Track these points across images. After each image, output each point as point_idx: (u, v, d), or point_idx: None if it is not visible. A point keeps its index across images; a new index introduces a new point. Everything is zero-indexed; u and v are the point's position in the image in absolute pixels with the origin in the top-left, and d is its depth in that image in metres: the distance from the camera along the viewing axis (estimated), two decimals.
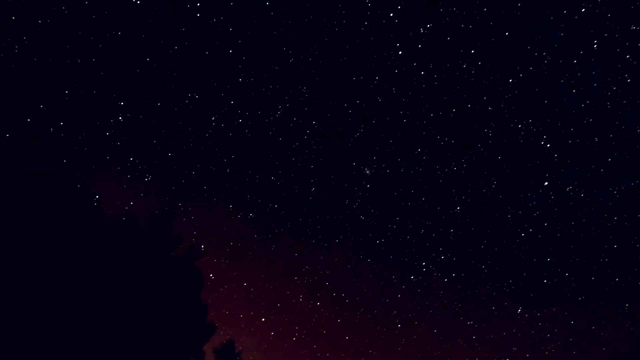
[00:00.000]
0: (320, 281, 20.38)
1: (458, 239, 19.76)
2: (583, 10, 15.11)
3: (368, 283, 20.73)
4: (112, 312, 10.02)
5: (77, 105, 15.39)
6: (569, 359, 20.18)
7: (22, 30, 13.63)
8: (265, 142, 18.40)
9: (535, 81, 16.68)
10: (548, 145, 17.51)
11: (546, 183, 18.11)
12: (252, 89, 17.20)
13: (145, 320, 10.64)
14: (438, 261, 19.91)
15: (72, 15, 14.25)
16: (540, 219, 18.73)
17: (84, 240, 10.10)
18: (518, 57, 16.47)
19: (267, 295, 20.44)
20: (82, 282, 9.65)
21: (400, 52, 16.60)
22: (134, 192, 17.35)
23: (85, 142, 15.84)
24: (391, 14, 15.91)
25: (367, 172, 18.90)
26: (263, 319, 20.40)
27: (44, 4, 13.63)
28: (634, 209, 17.66)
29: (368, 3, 15.75)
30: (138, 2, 14.80)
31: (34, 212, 9.53)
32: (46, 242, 9.52)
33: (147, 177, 17.51)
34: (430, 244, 19.78)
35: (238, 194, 19.10)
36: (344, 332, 21.14)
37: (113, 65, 15.62)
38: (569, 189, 17.99)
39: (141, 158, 17.27)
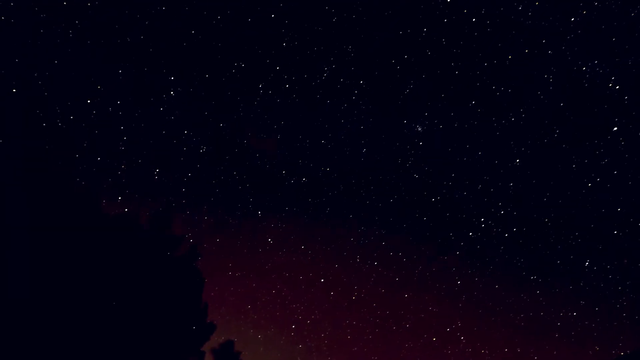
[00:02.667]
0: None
1: (517, 193, 19.00)
2: None
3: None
4: (112, 311, 10.09)
5: (78, 104, 15.67)
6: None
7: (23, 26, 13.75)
8: (313, 106, 18.25)
9: None
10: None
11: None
12: (296, 53, 16.96)
13: (145, 319, 10.70)
14: (497, 216, 19.32)
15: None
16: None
17: (83, 239, 10.11)
18: None
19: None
20: (80, 281, 9.72)
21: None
22: (134, 190, 17.25)
23: (86, 141, 16.09)
24: None
25: (419, 129, 18.36)
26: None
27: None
28: None
29: None
30: None
31: (33, 210, 9.53)
32: (46, 240, 9.54)
33: (153, 172, 17.56)
34: (488, 199, 19.15)
35: (288, 160, 19.18)
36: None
37: (116, 61, 15.77)
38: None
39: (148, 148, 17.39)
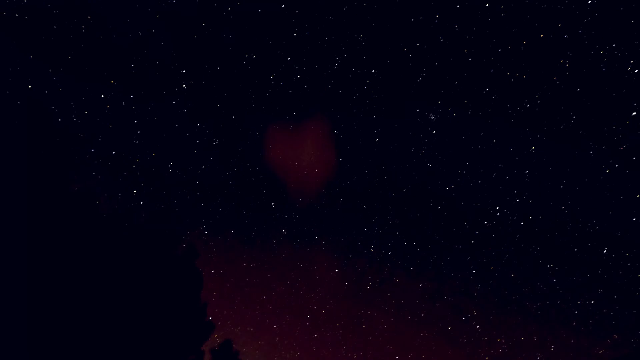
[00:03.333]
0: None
1: (533, 181, 18.75)
2: None
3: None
4: (111, 310, 10.07)
5: (80, 104, 15.71)
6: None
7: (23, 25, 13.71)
8: (324, 97, 18.16)
9: None
10: None
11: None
12: (307, 43, 16.87)
13: (144, 318, 10.68)
14: (512, 204, 19.11)
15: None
16: None
17: (82, 238, 10.09)
18: None
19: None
20: (79, 280, 9.66)
21: None
22: (134, 189, 17.38)
23: (86, 140, 16.11)
24: None
25: (432, 117, 18.18)
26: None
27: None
28: None
29: None
30: None
31: (33, 209, 9.51)
32: (46, 239, 9.53)
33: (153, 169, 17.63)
34: (503, 187, 18.95)
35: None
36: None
37: (119, 62, 15.79)
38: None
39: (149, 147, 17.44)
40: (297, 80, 17.44)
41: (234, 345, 13.79)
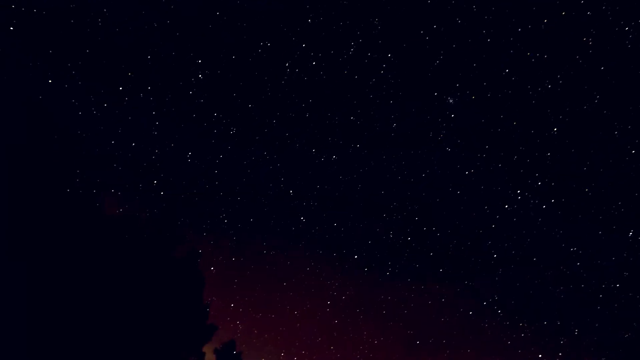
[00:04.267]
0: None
1: (555, 164, 18.34)
2: None
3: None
4: (113, 311, 10.05)
5: (81, 104, 15.81)
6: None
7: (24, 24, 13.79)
8: (341, 82, 18.03)
9: None
10: None
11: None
12: (322, 29, 16.73)
13: (146, 319, 10.68)
14: (534, 188, 18.76)
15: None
16: None
17: (84, 239, 10.07)
18: None
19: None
20: (81, 281, 9.68)
21: None
22: (135, 190, 17.43)
23: (87, 140, 16.24)
24: None
25: (451, 101, 17.90)
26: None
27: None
28: None
29: None
30: None
31: (36, 210, 9.49)
32: (47, 240, 9.47)
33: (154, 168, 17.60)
34: (524, 170, 18.60)
35: (317, 137, 19.11)
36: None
37: (119, 62, 15.81)
38: None
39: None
40: (313, 67, 17.36)
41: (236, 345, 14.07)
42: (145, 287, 10.92)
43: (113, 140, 16.55)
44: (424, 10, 16.25)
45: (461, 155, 18.89)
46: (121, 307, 10.30)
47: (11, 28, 13.51)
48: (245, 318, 20.41)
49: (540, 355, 19.85)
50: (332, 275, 21.00)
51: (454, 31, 16.55)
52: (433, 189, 19.83)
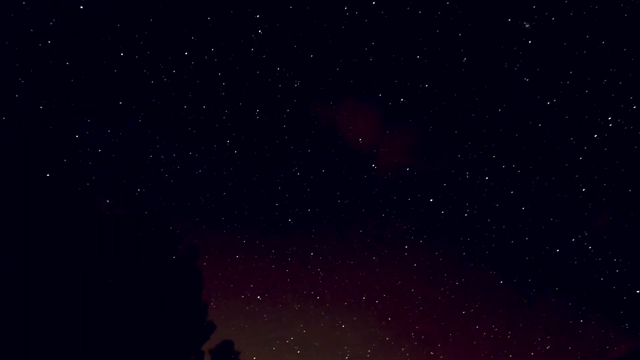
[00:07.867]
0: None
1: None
2: None
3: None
4: (111, 311, 10.01)
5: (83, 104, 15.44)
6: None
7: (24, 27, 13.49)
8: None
9: None
10: None
11: None
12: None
13: (144, 319, 10.61)
14: None
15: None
16: None
17: (81, 237, 10.03)
18: None
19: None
20: (79, 281, 9.66)
21: None
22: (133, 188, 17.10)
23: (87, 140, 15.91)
24: None
25: (527, 25, 14.88)
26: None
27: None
28: None
29: None
30: None
31: (33, 209, 9.47)
32: (45, 239, 9.47)
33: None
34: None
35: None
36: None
37: (118, 66, 15.30)
38: None
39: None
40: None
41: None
42: (144, 285, 10.86)
43: (112, 140, 16.16)
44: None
45: (541, 84, 15.82)
46: (120, 306, 10.27)
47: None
48: (246, 317, 19.86)
49: None
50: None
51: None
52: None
